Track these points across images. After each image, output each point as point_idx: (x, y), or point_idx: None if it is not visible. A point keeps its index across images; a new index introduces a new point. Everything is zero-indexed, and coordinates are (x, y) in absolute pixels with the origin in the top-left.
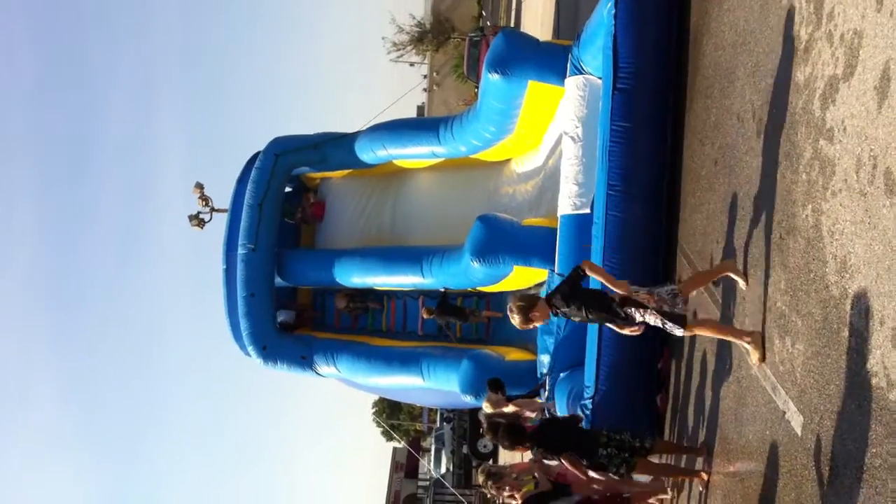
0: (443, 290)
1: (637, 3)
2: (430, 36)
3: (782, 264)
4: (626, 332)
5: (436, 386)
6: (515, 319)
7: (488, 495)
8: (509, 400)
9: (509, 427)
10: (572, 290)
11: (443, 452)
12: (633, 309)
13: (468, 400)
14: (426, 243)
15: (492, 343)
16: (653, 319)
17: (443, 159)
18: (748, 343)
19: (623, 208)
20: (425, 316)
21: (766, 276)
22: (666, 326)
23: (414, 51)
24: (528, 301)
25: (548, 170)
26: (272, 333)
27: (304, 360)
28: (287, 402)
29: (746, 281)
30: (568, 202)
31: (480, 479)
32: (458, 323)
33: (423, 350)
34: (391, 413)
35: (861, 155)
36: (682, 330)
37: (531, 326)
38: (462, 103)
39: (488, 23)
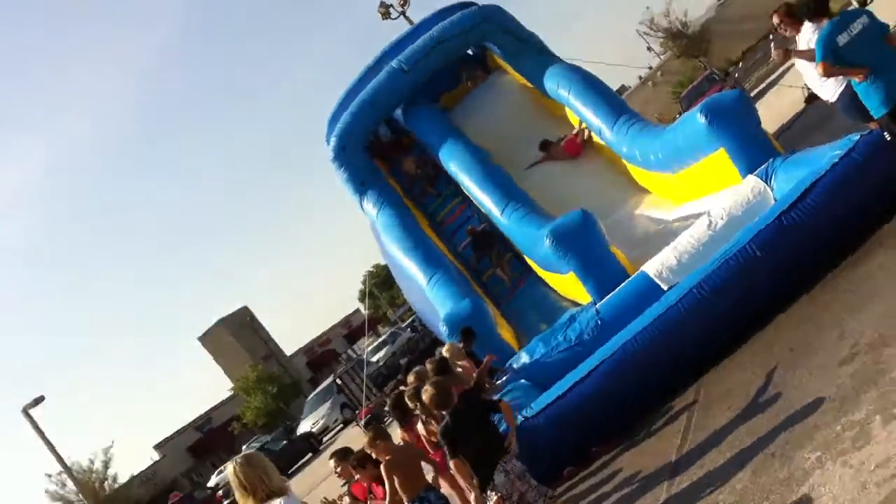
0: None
1: (862, 166)
2: (684, 42)
3: None
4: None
5: (431, 297)
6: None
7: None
8: (469, 356)
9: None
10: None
11: (386, 347)
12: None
13: (442, 329)
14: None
15: (502, 308)
16: None
17: (601, 141)
18: None
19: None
20: (468, 232)
21: None
22: None
23: (661, 41)
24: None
25: (668, 229)
26: (360, 141)
27: (361, 186)
28: (298, 213)
29: None
30: (657, 267)
31: (331, 462)
32: (491, 261)
33: (448, 263)
34: (381, 284)
35: None
36: None
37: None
38: (656, 116)
39: (736, 74)
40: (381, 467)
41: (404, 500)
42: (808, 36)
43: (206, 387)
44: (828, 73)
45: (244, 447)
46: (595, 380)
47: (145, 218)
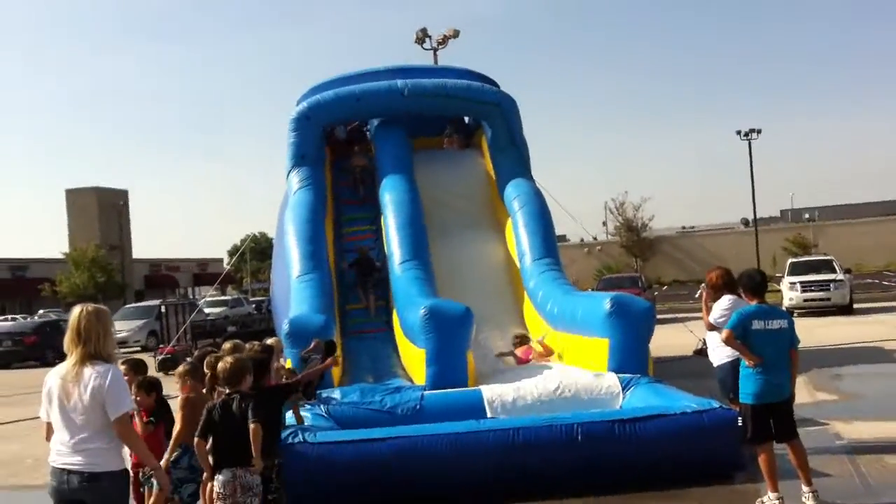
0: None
1: (705, 430)
2: (634, 239)
3: None
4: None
5: (293, 291)
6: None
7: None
8: (303, 361)
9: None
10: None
11: (223, 308)
12: None
13: (284, 326)
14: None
15: (345, 339)
16: None
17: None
18: None
19: (492, 448)
20: (359, 250)
21: None
22: None
23: (617, 225)
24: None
25: (522, 370)
26: (324, 122)
27: (301, 159)
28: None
29: None
30: (493, 395)
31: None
32: (363, 289)
33: (327, 272)
34: (256, 252)
35: None
36: None
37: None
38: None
39: (655, 293)
40: (180, 400)
41: (173, 442)
42: (725, 304)
43: (43, 236)
44: (728, 342)
45: (41, 311)
46: (385, 448)
47: None
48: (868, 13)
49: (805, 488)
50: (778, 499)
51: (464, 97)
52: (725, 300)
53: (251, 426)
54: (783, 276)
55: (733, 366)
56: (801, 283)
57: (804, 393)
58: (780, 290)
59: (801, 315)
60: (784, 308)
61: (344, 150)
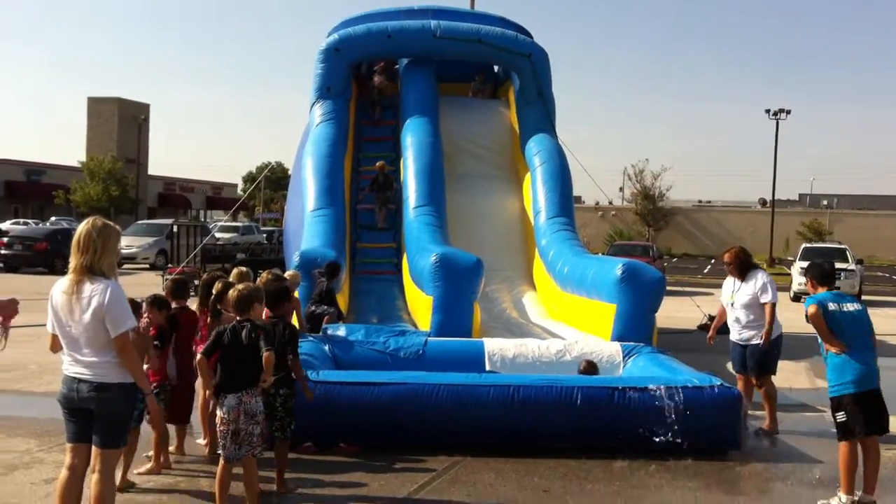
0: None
1: (703, 405)
2: (650, 207)
3: None
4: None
5: (306, 224)
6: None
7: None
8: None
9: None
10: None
11: (233, 234)
12: None
13: (294, 258)
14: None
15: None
16: None
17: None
18: None
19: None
20: (378, 167)
21: None
22: None
23: (634, 192)
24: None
25: (527, 328)
26: (354, 57)
27: (326, 91)
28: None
29: None
30: (495, 348)
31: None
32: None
33: (342, 209)
34: (272, 181)
35: None
36: None
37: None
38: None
39: (665, 264)
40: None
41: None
42: (763, 278)
43: (61, 143)
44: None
45: (53, 218)
46: (384, 392)
47: None
48: None
49: (868, 498)
50: (852, 502)
51: (497, 45)
52: (762, 275)
53: (264, 353)
54: (794, 261)
55: (774, 342)
56: None
57: (804, 379)
58: (789, 274)
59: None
60: (792, 293)
61: (369, 87)
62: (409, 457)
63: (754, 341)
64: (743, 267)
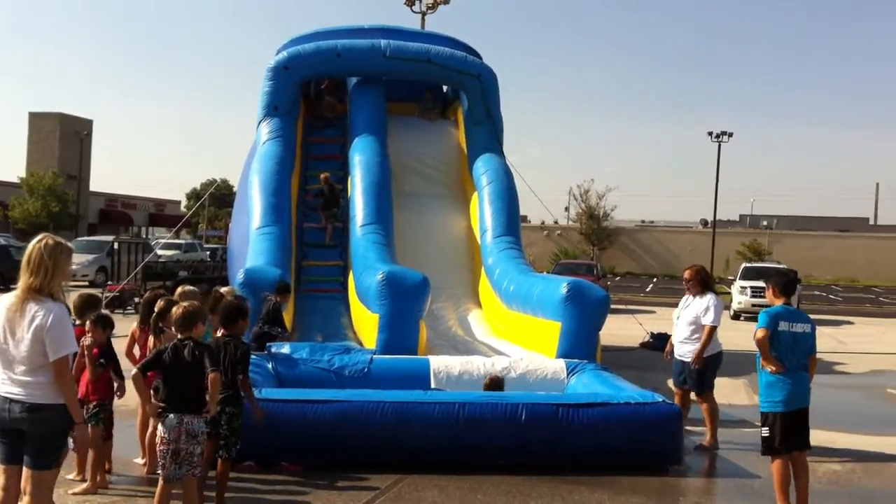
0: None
1: (644, 421)
2: (594, 227)
3: None
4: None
5: (251, 242)
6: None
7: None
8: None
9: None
10: None
11: (176, 252)
12: None
13: (238, 276)
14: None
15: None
16: None
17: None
18: None
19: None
20: (323, 179)
21: None
22: None
23: (579, 211)
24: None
25: (472, 345)
26: (302, 75)
27: (274, 109)
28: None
29: None
30: (441, 366)
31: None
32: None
33: (288, 228)
34: (216, 198)
35: None
36: None
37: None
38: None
39: (608, 283)
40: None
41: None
42: (713, 302)
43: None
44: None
45: None
46: (328, 410)
47: None
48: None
49: None
50: None
51: (446, 65)
52: (712, 298)
53: (210, 375)
54: (734, 280)
55: (706, 361)
56: (751, 287)
57: (743, 395)
58: (729, 293)
59: (747, 319)
60: (732, 311)
61: (317, 98)
62: (352, 475)
63: (691, 358)
64: (702, 285)
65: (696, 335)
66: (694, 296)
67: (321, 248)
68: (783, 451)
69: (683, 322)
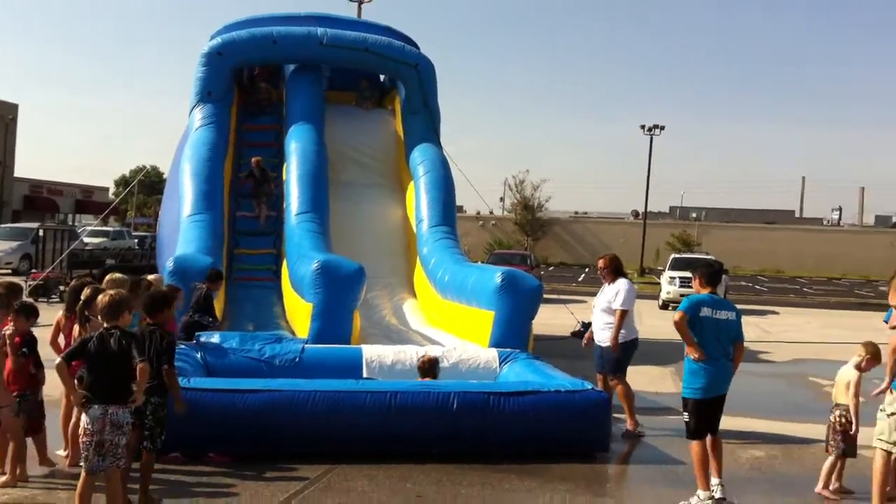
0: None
1: (574, 409)
2: (529, 218)
3: None
4: None
5: (182, 230)
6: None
7: None
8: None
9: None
10: None
11: (104, 240)
12: None
13: (168, 264)
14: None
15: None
16: None
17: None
18: None
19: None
20: (255, 162)
21: None
22: None
23: (514, 202)
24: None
25: (407, 334)
26: (236, 62)
27: (207, 95)
28: None
29: None
30: (373, 355)
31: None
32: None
33: (220, 215)
34: (146, 186)
35: None
36: None
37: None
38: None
39: (542, 272)
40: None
41: None
42: (624, 286)
43: None
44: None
45: None
46: (257, 399)
47: None
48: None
49: (715, 480)
50: (709, 498)
51: (383, 54)
52: (623, 283)
53: (139, 365)
54: (664, 270)
55: (621, 347)
56: (680, 278)
57: (669, 383)
58: (658, 283)
59: (676, 308)
60: (661, 301)
61: (251, 85)
62: (281, 465)
63: (607, 343)
64: (615, 272)
65: (610, 321)
66: (609, 283)
67: (254, 236)
68: (701, 435)
69: (598, 309)
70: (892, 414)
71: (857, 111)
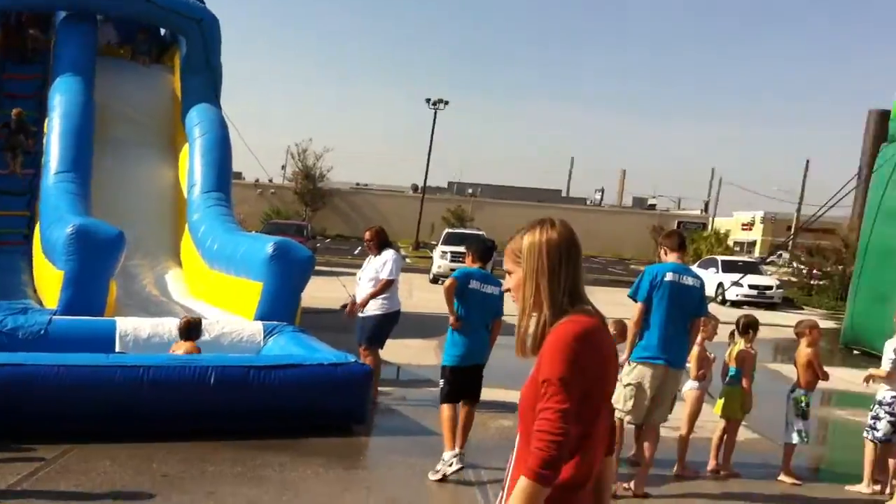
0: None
1: (335, 382)
2: (310, 189)
3: None
4: None
5: None
6: None
7: None
8: None
9: None
10: None
11: None
12: None
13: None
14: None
15: None
16: None
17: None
18: None
19: (117, 383)
20: (15, 114)
21: None
22: None
23: (296, 171)
24: None
25: (167, 306)
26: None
27: None
28: None
29: None
30: (128, 328)
31: None
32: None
33: None
34: None
35: None
36: None
37: None
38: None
39: (318, 245)
40: None
41: None
42: (391, 256)
43: None
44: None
45: None
46: None
47: None
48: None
49: (458, 450)
50: (455, 456)
51: (164, 5)
52: (390, 253)
53: None
54: (437, 245)
55: (382, 318)
56: (451, 252)
57: (432, 356)
58: (431, 257)
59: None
60: (432, 275)
61: (18, 39)
62: (19, 445)
63: (369, 313)
64: (381, 244)
65: None
66: (375, 255)
67: (4, 195)
68: (453, 400)
69: (364, 280)
70: (628, 385)
71: (624, 100)
